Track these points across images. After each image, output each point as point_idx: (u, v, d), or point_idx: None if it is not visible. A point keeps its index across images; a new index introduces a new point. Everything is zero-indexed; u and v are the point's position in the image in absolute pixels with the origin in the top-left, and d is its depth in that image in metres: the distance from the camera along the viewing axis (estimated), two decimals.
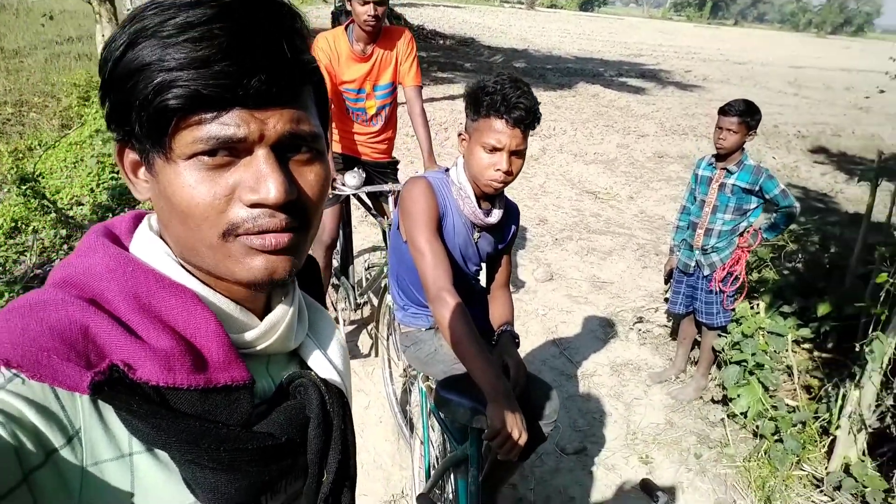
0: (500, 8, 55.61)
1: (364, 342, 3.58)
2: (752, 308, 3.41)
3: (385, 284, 3.02)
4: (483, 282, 2.23)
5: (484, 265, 2.17)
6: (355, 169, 2.99)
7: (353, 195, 3.15)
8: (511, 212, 2.12)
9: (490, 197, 1.96)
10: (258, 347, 0.68)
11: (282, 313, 0.69)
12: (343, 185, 2.90)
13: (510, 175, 1.84)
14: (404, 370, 2.94)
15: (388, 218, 3.02)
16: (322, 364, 0.76)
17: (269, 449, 0.63)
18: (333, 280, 3.64)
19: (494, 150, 1.80)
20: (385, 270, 3.05)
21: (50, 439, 0.51)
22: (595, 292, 4.59)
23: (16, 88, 8.63)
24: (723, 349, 3.26)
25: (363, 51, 3.04)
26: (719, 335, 3.31)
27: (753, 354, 3.10)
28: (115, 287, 0.58)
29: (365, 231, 4.95)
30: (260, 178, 0.57)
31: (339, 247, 3.59)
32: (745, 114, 2.94)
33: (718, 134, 3.02)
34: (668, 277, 3.57)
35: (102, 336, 0.55)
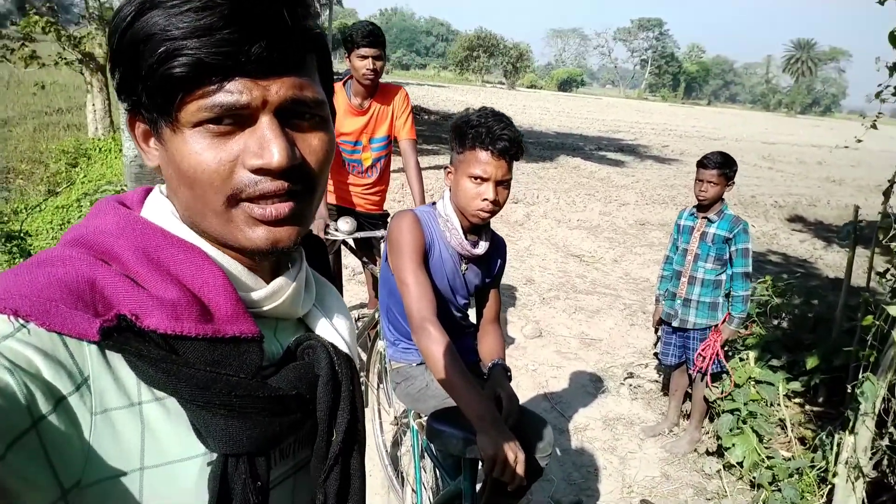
0: (483, 87, 57.74)
1: None
2: (741, 360, 3.41)
3: (372, 334, 3.00)
4: (472, 317, 2.23)
5: (473, 299, 2.17)
6: (347, 216, 3.01)
7: (344, 243, 3.16)
8: (498, 245, 2.14)
9: (476, 229, 1.99)
10: (265, 308, 0.68)
11: (289, 277, 0.70)
12: (336, 230, 2.92)
13: (497, 205, 1.88)
14: (395, 418, 2.88)
15: (379, 265, 3.02)
16: (329, 331, 0.76)
17: (280, 399, 0.62)
18: None
19: (481, 180, 1.84)
20: (376, 317, 3.03)
21: (58, 387, 0.50)
22: (584, 349, 4.57)
23: (3, 156, 8.71)
24: (715, 400, 3.24)
25: (360, 105, 3.14)
26: (708, 386, 3.29)
27: (746, 403, 3.08)
28: (123, 243, 0.59)
29: (353, 289, 4.94)
30: (264, 143, 0.58)
31: None
32: (724, 166, 3.06)
33: (699, 186, 3.12)
34: (658, 327, 3.57)
35: (109, 288, 0.55)
